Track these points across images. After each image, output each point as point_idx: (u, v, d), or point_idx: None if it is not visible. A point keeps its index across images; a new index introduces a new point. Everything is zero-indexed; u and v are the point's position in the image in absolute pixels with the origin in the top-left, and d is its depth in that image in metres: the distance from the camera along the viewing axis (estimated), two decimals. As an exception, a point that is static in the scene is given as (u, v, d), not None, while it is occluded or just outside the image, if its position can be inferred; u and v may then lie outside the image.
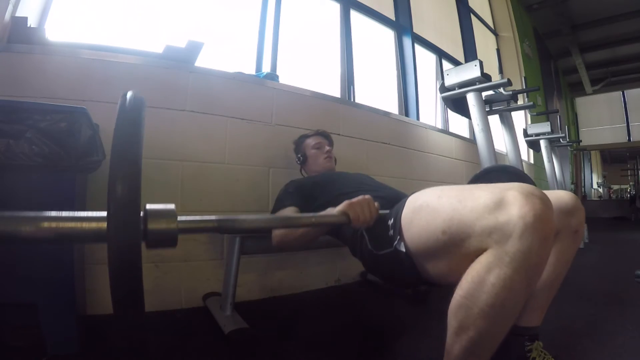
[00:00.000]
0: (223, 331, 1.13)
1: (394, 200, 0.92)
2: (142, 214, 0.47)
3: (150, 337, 1.12)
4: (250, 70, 1.95)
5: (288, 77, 1.98)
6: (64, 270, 0.92)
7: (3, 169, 0.84)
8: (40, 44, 1.25)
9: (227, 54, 1.93)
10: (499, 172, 1.30)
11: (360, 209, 0.76)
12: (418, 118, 2.85)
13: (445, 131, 2.96)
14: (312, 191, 1.16)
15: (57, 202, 0.91)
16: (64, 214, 0.42)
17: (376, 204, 0.80)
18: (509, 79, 1.97)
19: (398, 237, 0.78)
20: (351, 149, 2.00)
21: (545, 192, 0.86)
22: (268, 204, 1.63)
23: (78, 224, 0.43)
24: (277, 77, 1.86)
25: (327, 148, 1.45)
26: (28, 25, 1.26)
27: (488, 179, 1.21)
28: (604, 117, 8.95)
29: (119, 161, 0.41)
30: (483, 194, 0.61)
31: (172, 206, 0.49)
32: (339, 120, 1.98)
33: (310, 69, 2.30)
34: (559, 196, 0.87)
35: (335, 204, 0.91)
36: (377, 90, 2.74)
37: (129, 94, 0.45)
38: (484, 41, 4.55)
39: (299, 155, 1.48)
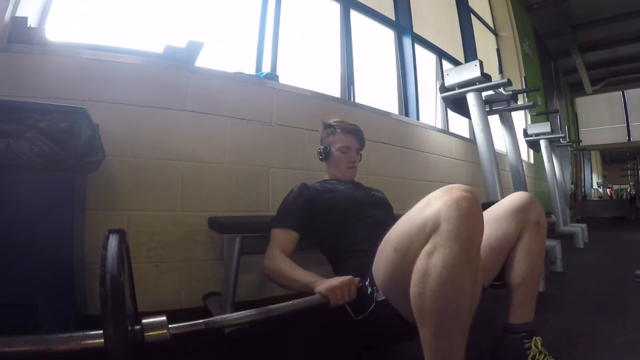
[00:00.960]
0: (223, 331, 1.13)
1: (383, 204, 0.97)
2: (138, 327, 0.59)
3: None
4: (250, 70, 1.95)
5: (288, 77, 1.98)
6: (64, 270, 0.92)
7: (3, 169, 0.84)
8: (40, 44, 1.25)
9: (227, 54, 1.93)
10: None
11: (340, 294, 0.83)
12: (418, 118, 2.85)
13: (445, 131, 2.96)
14: (322, 215, 1.13)
15: (57, 202, 0.91)
16: (64, 335, 0.50)
17: (357, 279, 0.87)
18: (509, 79, 1.97)
19: (374, 287, 0.82)
20: (351, 149, 2.00)
21: (501, 200, 0.97)
22: (268, 204, 1.63)
23: (78, 343, 0.50)
24: (277, 77, 1.86)
25: (355, 157, 1.33)
26: (28, 25, 1.25)
27: None
28: (604, 117, 8.95)
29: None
30: (417, 204, 0.71)
31: (163, 318, 0.61)
32: (339, 120, 1.98)
33: (310, 69, 2.30)
34: (511, 199, 0.94)
35: (336, 246, 1.11)
36: (377, 90, 2.74)
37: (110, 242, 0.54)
38: (484, 41, 4.55)
39: (322, 147, 1.32)
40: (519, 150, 2.43)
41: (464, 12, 4.04)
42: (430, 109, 3.32)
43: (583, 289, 1.72)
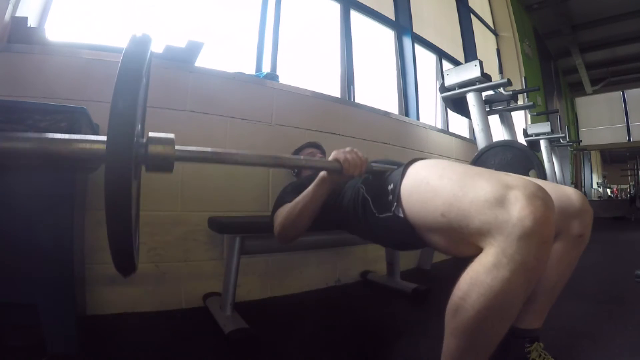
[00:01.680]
0: (223, 331, 1.13)
1: (390, 164, 0.93)
2: (144, 140, 0.53)
3: (150, 337, 1.12)
4: (250, 70, 1.95)
5: (288, 77, 1.98)
6: (64, 270, 0.92)
7: (3, 168, 0.84)
8: (40, 44, 1.25)
9: (227, 54, 1.93)
10: (504, 148, 1.28)
11: (350, 156, 0.81)
12: (418, 118, 2.85)
13: (445, 131, 2.95)
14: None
15: (57, 201, 0.91)
16: (67, 136, 0.47)
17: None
18: (509, 79, 1.97)
19: (395, 203, 0.78)
20: (351, 149, 2.00)
21: (551, 185, 0.86)
22: (268, 204, 1.63)
23: (80, 145, 0.46)
24: (277, 77, 1.86)
25: (319, 156, 1.49)
26: (28, 25, 1.26)
27: (493, 154, 1.19)
28: (604, 117, 8.95)
29: (121, 93, 0.45)
30: (485, 186, 0.60)
31: (171, 135, 0.57)
32: (339, 120, 1.98)
33: (310, 69, 2.30)
34: (565, 194, 0.84)
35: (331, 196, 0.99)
36: (377, 90, 2.74)
37: (135, 35, 0.49)
38: (484, 41, 4.55)
39: (295, 171, 1.53)
40: (519, 150, 2.43)
41: (464, 12, 4.04)
42: (430, 109, 3.33)
43: (583, 289, 1.71)
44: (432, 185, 0.70)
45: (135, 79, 0.44)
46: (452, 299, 0.61)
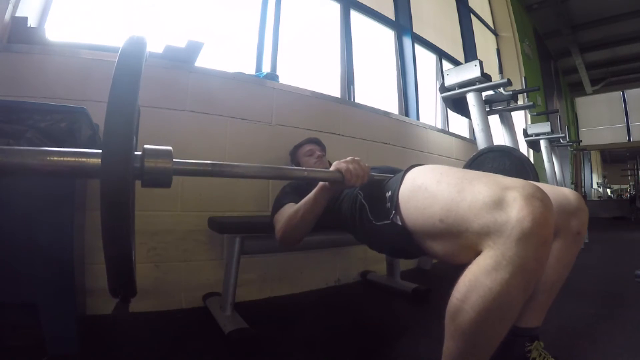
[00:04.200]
0: (223, 331, 1.13)
1: (389, 172, 0.92)
2: (139, 153, 0.49)
3: (151, 337, 1.12)
4: (250, 70, 1.95)
5: (288, 77, 1.98)
6: (64, 270, 0.92)
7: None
8: (40, 44, 1.25)
9: (227, 54, 1.93)
10: (502, 153, 1.27)
11: (352, 166, 0.81)
12: (418, 118, 2.85)
13: (445, 131, 2.96)
14: (308, 189, 1.16)
15: (56, 201, 0.91)
16: (62, 149, 0.44)
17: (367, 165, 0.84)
18: (509, 79, 1.97)
19: (394, 211, 0.78)
20: (351, 149, 2.00)
21: (548, 187, 0.86)
22: (268, 204, 1.63)
23: (74, 159, 0.44)
24: (277, 77, 1.86)
25: (318, 153, 1.47)
26: (28, 25, 1.26)
27: (491, 158, 1.18)
28: (604, 117, 8.95)
29: (115, 107, 0.42)
30: (483, 190, 0.60)
31: (169, 148, 0.52)
32: (339, 120, 1.98)
33: (310, 69, 2.30)
34: (563, 194, 0.85)
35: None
36: (377, 90, 2.74)
37: (130, 37, 0.46)
38: (484, 41, 4.55)
39: (294, 165, 1.53)
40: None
41: (464, 12, 4.04)
42: (430, 109, 3.32)
43: (583, 289, 1.71)
44: (430, 191, 0.70)
45: (131, 93, 0.42)
46: (452, 301, 0.61)
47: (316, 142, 1.58)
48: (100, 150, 0.41)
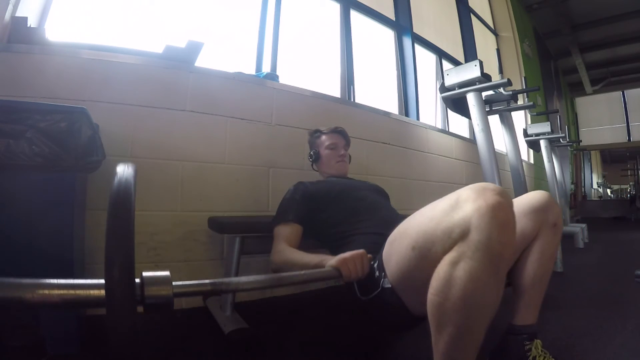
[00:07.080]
0: (223, 331, 1.13)
1: (390, 223, 0.90)
2: (138, 280, 0.49)
3: (150, 337, 1.12)
4: (250, 70, 1.95)
5: (288, 77, 1.98)
6: (64, 270, 0.92)
7: (3, 169, 0.84)
8: (40, 44, 1.25)
9: (227, 54, 1.93)
10: None
11: (352, 265, 0.79)
12: (418, 118, 2.85)
13: (445, 131, 2.95)
14: (320, 203, 1.15)
15: (57, 202, 0.91)
16: (65, 281, 0.44)
17: (369, 255, 0.83)
18: (509, 79, 1.97)
19: (383, 273, 0.80)
20: (351, 149, 1.97)
21: (520, 196, 0.93)
22: (268, 204, 1.63)
23: (79, 292, 0.45)
24: (277, 77, 1.86)
25: (342, 151, 1.39)
26: (28, 25, 1.26)
27: None
28: (604, 117, 8.95)
29: (114, 237, 0.42)
30: (442, 202, 0.65)
31: (167, 273, 0.52)
32: (339, 120, 1.98)
33: (310, 69, 2.30)
34: (531, 197, 0.91)
35: (338, 230, 1.07)
36: (377, 90, 2.74)
37: (121, 170, 0.47)
38: (484, 41, 4.55)
39: (312, 152, 1.42)
40: (519, 150, 2.43)
41: (464, 12, 4.04)
42: (430, 109, 3.32)
43: (583, 289, 1.71)
44: (402, 231, 0.75)
45: (128, 223, 0.42)
46: (429, 298, 0.63)
47: (342, 133, 1.43)
48: (103, 281, 0.41)
